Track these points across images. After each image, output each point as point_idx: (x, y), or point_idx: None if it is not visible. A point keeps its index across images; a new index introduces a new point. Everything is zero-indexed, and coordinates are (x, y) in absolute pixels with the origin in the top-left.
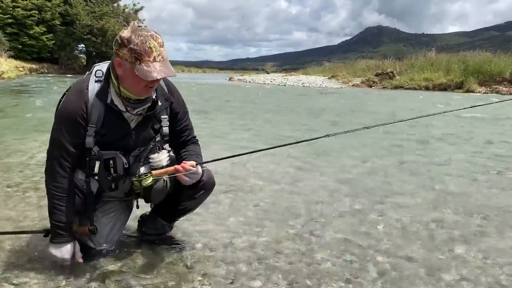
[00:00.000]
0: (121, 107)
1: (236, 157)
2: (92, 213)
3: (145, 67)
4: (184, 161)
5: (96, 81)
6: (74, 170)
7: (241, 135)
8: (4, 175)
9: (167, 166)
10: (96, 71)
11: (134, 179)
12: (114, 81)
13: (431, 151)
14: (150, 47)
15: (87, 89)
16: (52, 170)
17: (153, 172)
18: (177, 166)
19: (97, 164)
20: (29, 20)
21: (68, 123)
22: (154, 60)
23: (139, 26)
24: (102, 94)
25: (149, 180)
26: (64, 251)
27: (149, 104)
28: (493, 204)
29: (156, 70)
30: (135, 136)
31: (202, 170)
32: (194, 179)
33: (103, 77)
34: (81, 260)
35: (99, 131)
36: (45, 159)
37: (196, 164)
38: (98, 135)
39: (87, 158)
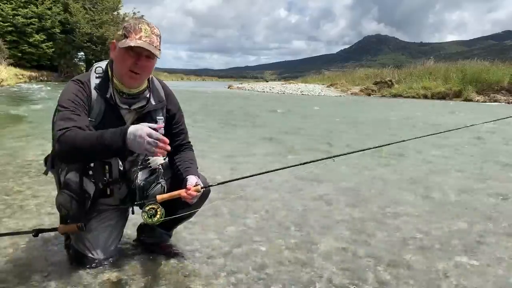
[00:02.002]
0: (119, 102)
1: (241, 179)
2: (84, 213)
3: (127, 40)
4: (187, 184)
5: (96, 77)
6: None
7: None
8: (2, 183)
9: (163, 164)
10: (96, 68)
11: (144, 216)
12: (110, 72)
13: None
14: (140, 28)
15: (89, 82)
16: (58, 140)
17: (158, 197)
18: (182, 193)
19: None
20: (29, 28)
21: (73, 99)
22: (140, 38)
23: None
24: (102, 88)
25: (159, 213)
26: (139, 131)
27: (143, 103)
28: (491, 212)
29: (135, 42)
30: None
31: (198, 178)
32: (198, 197)
33: (103, 73)
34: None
35: (97, 127)
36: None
37: (201, 188)
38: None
39: None
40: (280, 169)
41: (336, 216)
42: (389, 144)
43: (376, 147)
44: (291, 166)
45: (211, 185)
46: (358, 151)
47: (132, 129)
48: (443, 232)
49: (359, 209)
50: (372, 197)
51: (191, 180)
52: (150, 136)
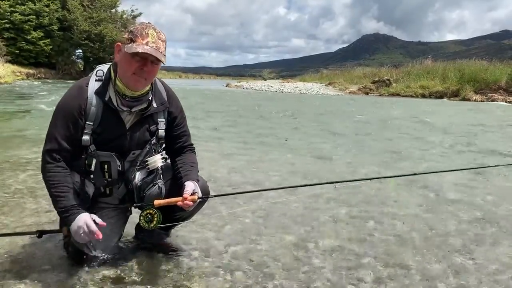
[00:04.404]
0: (119, 104)
1: (237, 194)
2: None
3: (134, 45)
4: (184, 193)
5: (96, 80)
6: (69, 165)
7: None
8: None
9: (162, 167)
10: (97, 71)
11: (141, 221)
12: (112, 74)
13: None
14: (147, 33)
15: (87, 86)
16: (44, 163)
17: (155, 202)
18: (178, 202)
19: (94, 161)
20: (26, 25)
21: (64, 117)
22: (147, 44)
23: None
24: (101, 92)
25: (156, 219)
26: (83, 221)
27: (145, 105)
28: (490, 212)
29: (142, 48)
30: (130, 137)
31: (197, 183)
32: (194, 206)
33: (103, 76)
34: (104, 224)
35: (96, 130)
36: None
37: (198, 198)
38: (95, 134)
39: (83, 156)
40: (279, 188)
41: (334, 215)
42: (399, 176)
43: (385, 177)
44: (292, 187)
45: (208, 196)
46: (364, 180)
47: (77, 218)
48: (441, 231)
49: (357, 208)
50: (370, 196)
51: (188, 188)
52: (88, 226)
